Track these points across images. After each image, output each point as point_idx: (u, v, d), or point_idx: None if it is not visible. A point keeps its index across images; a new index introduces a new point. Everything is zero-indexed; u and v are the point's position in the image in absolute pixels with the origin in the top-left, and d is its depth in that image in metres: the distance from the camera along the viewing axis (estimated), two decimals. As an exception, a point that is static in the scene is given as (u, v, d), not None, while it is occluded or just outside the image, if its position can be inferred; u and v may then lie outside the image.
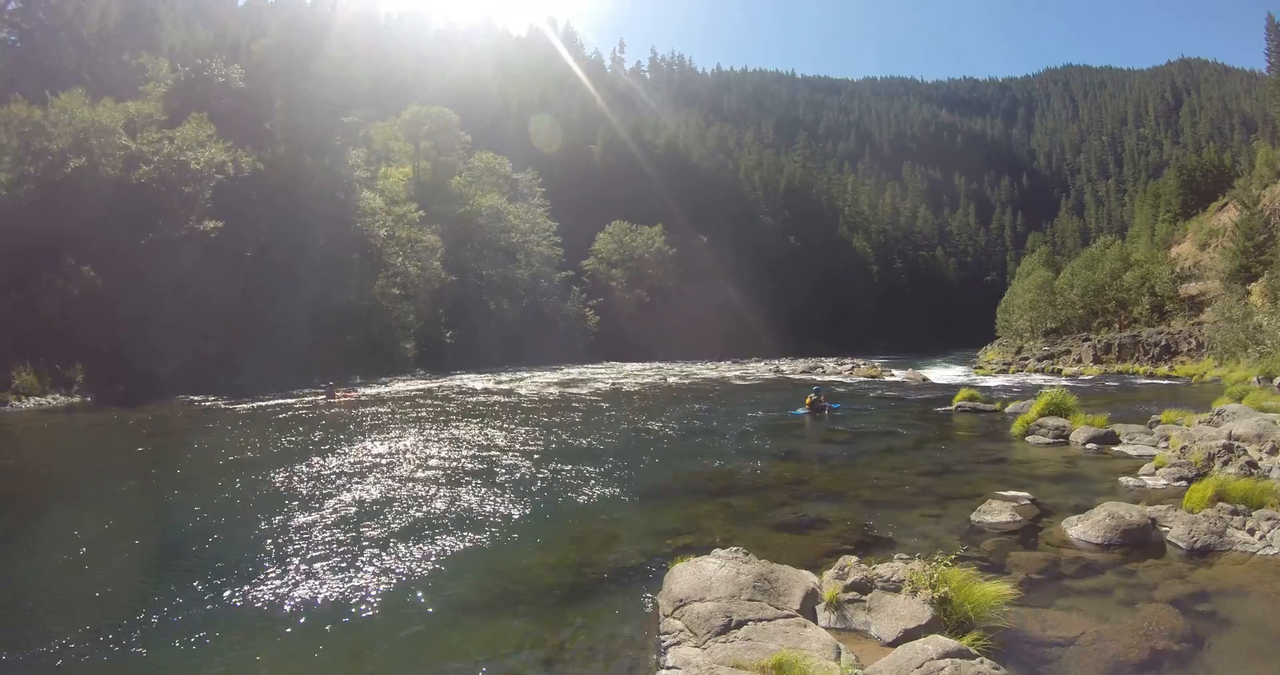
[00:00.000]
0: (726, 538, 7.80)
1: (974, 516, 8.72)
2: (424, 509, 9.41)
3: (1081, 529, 7.88)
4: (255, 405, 25.56)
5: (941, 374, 45.24)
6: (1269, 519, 7.65)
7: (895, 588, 5.83)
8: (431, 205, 62.66)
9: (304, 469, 12.26)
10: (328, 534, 8.28)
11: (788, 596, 5.90)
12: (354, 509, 9.36)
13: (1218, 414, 15.48)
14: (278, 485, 11.05)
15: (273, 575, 6.97)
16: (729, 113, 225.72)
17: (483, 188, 72.73)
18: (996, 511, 8.71)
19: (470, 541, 8.03)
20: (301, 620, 6.02)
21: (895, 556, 6.67)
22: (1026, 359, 61.19)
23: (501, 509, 9.46)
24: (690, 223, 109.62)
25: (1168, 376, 42.10)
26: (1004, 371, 50.80)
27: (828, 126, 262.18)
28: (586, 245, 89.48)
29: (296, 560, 7.37)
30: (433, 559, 7.43)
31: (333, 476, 11.59)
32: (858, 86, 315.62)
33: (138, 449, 16.51)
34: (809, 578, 6.21)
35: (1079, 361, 54.15)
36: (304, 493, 10.45)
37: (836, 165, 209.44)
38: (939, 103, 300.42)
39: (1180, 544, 7.48)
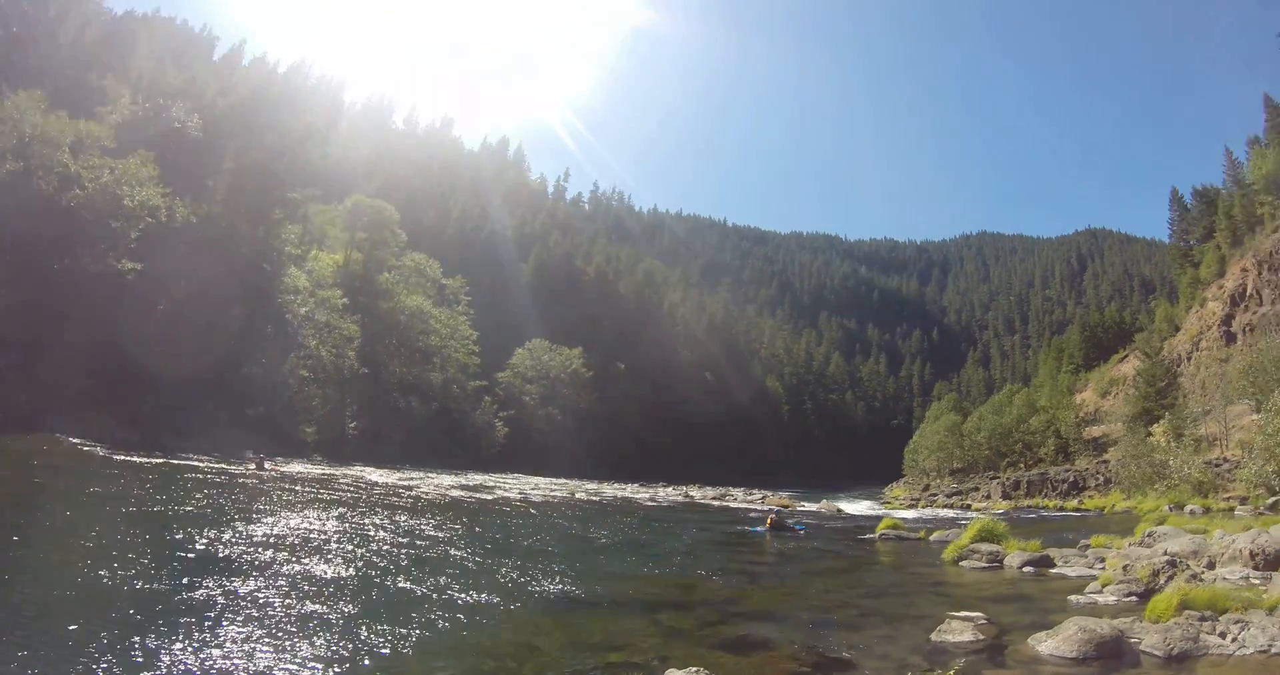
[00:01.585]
0: (660, 656, 7.20)
1: (934, 637, 8.27)
2: (320, 602, 8.36)
3: (1052, 644, 7.61)
4: (147, 461, 23.92)
5: (852, 506, 45.45)
6: (1236, 621, 7.76)
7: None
8: (356, 296, 61.60)
9: (183, 537, 11.20)
10: (204, 612, 7.37)
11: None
12: (237, 592, 8.38)
13: (1149, 535, 15.92)
14: (160, 551, 10.03)
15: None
16: (660, 251, 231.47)
17: (410, 287, 71.89)
18: (957, 631, 8.30)
19: (359, 642, 7.00)
20: None
21: None
22: (935, 495, 62.68)
23: (406, 610, 8.48)
24: (611, 348, 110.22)
25: (1078, 509, 44.08)
26: (913, 506, 52.01)
27: (752, 273, 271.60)
28: (504, 356, 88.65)
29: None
30: (308, 661, 6.32)
31: (215, 552, 10.55)
32: (784, 239, 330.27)
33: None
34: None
35: (988, 497, 55.66)
36: (187, 565, 9.46)
37: (757, 310, 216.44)
38: (859, 260, 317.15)
39: (1156, 652, 7.36)
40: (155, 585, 8.17)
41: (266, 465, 28.86)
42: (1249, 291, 68.68)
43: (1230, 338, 68.78)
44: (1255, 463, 29.61)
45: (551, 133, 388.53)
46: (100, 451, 25.27)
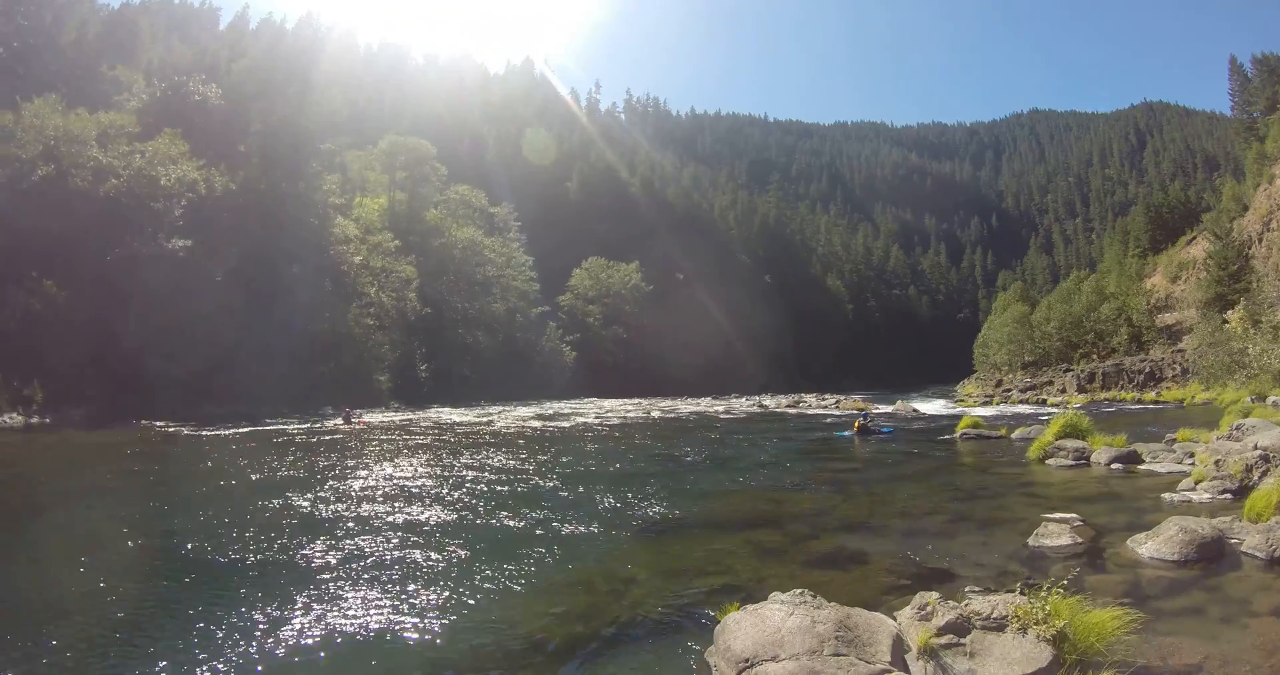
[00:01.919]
0: (758, 578, 6.93)
1: (1031, 541, 7.99)
2: (415, 550, 8.18)
3: (1153, 546, 7.32)
4: (235, 432, 24.42)
5: (927, 406, 44.85)
6: None
7: (999, 626, 4.80)
8: (407, 236, 61.81)
9: (286, 502, 11.06)
10: (319, 574, 7.18)
11: (875, 647, 4.75)
12: (344, 549, 8.18)
13: (1236, 428, 15.15)
14: (266, 517, 9.92)
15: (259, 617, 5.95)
16: (703, 154, 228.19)
17: (458, 220, 71.89)
18: (1055, 534, 8.02)
19: (466, 588, 6.83)
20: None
21: (966, 589, 5.94)
22: (1009, 391, 61.48)
23: (499, 552, 8.24)
24: (666, 260, 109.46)
25: (1155, 402, 43.25)
26: (987, 403, 50.70)
27: (800, 169, 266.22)
28: (562, 281, 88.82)
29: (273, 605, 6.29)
30: (423, 611, 6.20)
31: (318, 513, 10.32)
32: (829, 130, 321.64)
33: (131, 472, 15.39)
34: (889, 623, 5.16)
35: (1063, 391, 54.59)
36: (287, 528, 9.28)
37: (809, 207, 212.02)
38: (909, 146, 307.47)
39: (1258, 554, 7.08)
40: (258, 550, 8.07)
41: (354, 419, 29.32)
42: (1319, 166, 64.61)
43: (1302, 216, 65.09)
44: None
45: (577, 47, 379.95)
46: (186, 431, 25.72)
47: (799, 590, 5.40)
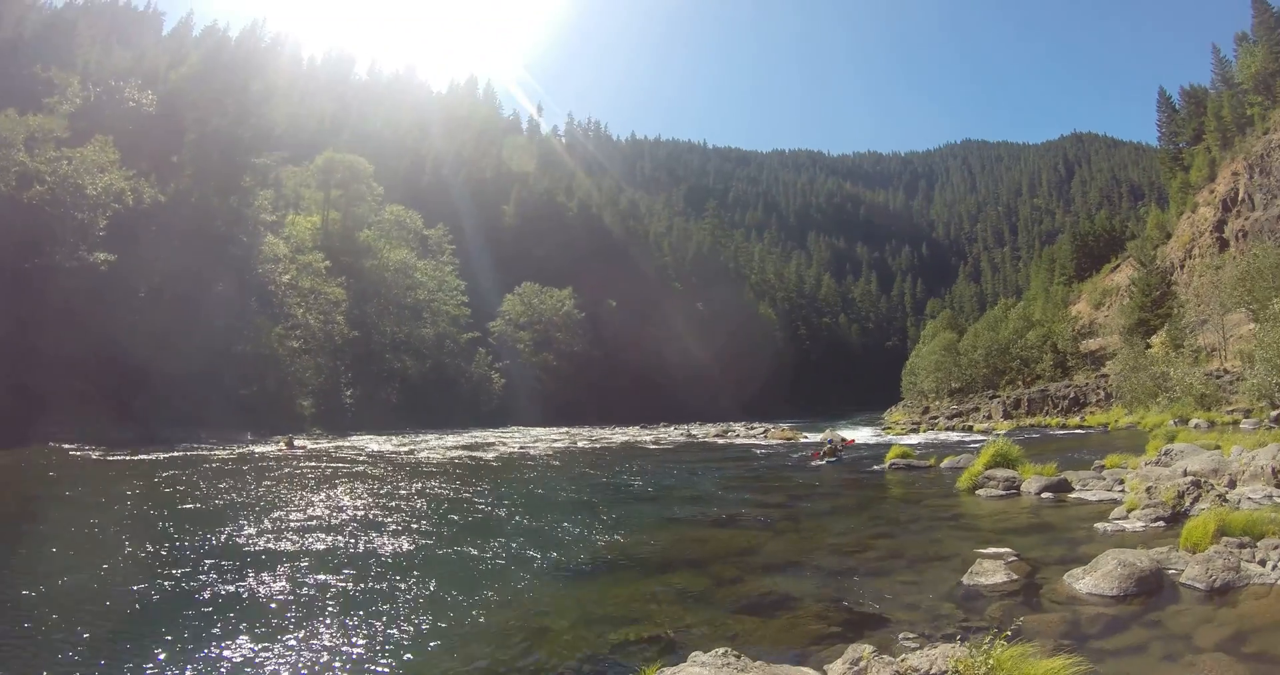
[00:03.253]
0: (681, 626, 6.81)
1: (965, 579, 7.94)
2: (312, 592, 7.97)
3: (1090, 581, 7.30)
4: (146, 458, 23.56)
5: (855, 434, 45.45)
6: (1276, 547, 7.52)
7: (939, 684, 4.83)
8: (338, 257, 60.75)
9: (193, 533, 10.70)
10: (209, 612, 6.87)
11: (806, 709, 4.82)
12: (248, 585, 7.87)
13: (1165, 453, 15.62)
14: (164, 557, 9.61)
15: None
16: (642, 180, 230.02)
17: (392, 242, 70.83)
18: (989, 572, 7.98)
19: (366, 637, 6.60)
20: None
21: (900, 636, 6.00)
22: (936, 418, 62.44)
23: (407, 593, 8.06)
24: (600, 286, 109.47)
25: (1081, 426, 44.06)
26: (915, 430, 51.48)
27: (737, 196, 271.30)
28: (494, 306, 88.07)
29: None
30: (309, 666, 5.96)
31: (211, 548, 9.84)
32: (767, 158, 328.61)
33: (33, 498, 14.69)
34: (821, 681, 5.14)
35: (989, 418, 55.58)
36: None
37: (745, 234, 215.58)
38: (844, 175, 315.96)
39: (1198, 585, 7.08)
40: (153, 585, 7.90)
41: (295, 445, 29.41)
42: (1241, 196, 68.18)
43: (1223, 244, 68.51)
44: (1258, 375, 29.52)
45: (521, 69, 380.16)
46: (95, 455, 24.86)
47: (722, 650, 5.32)
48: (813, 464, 23.44)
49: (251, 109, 51.05)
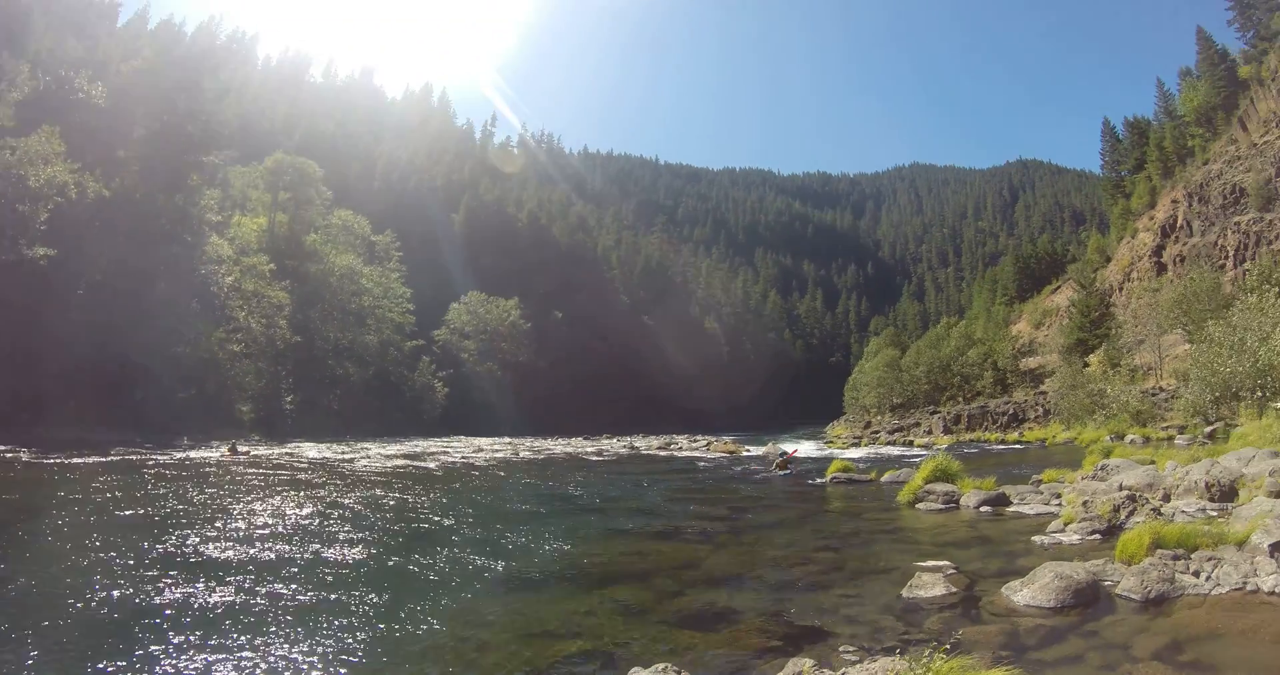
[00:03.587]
0: (622, 641, 6.74)
1: (905, 592, 7.95)
2: (250, 601, 7.79)
3: (1028, 593, 7.35)
4: (81, 461, 22.74)
5: (797, 448, 45.79)
6: (1209, 559, 7.69)
7: (879, 698, 4.85)
8: (283, 260, 59.57)
9: (126, 541, 10.37)
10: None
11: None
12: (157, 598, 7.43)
13: (1101, 468, 15.90)
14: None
15: None
16: (592, 193, 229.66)
17: (338, 247, 69.70)
18: (929, 585, 7.99)
19: (303, 653, 6.36)
20: None
21: (841, 649, 6.00)
22: (877, 432, 63.09)
23: (340, 605, 7.86)
24: (547, 298, 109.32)
25: (1020, 442, 44.94)
26: (856, 444, 51.89)
27: (686, 212, 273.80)
28: (439, 314, 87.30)
29: None
30: None
31: (147, 555, 9.54)
32: (717, 175, 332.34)
33: None
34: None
35: (929, 433, 56.38)
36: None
37: (693, 249, 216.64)
38: (793, 194, 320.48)
39: (1133, 596, 7.16)
40: (92, 594, 7.54)
41: (239, 450, 29.07)
42: (1179, 223, 70.74)
43: (1161, 268, 70.96)
44: (1192, 392, 30.41)
45: (476, 79, 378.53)
46: (26, 457, 23.91)
47: (662, 666, 5.34)
48: (774, 473, 24.59)
49: (203, 106, 49.89)
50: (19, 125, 37.87)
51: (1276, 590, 6.86)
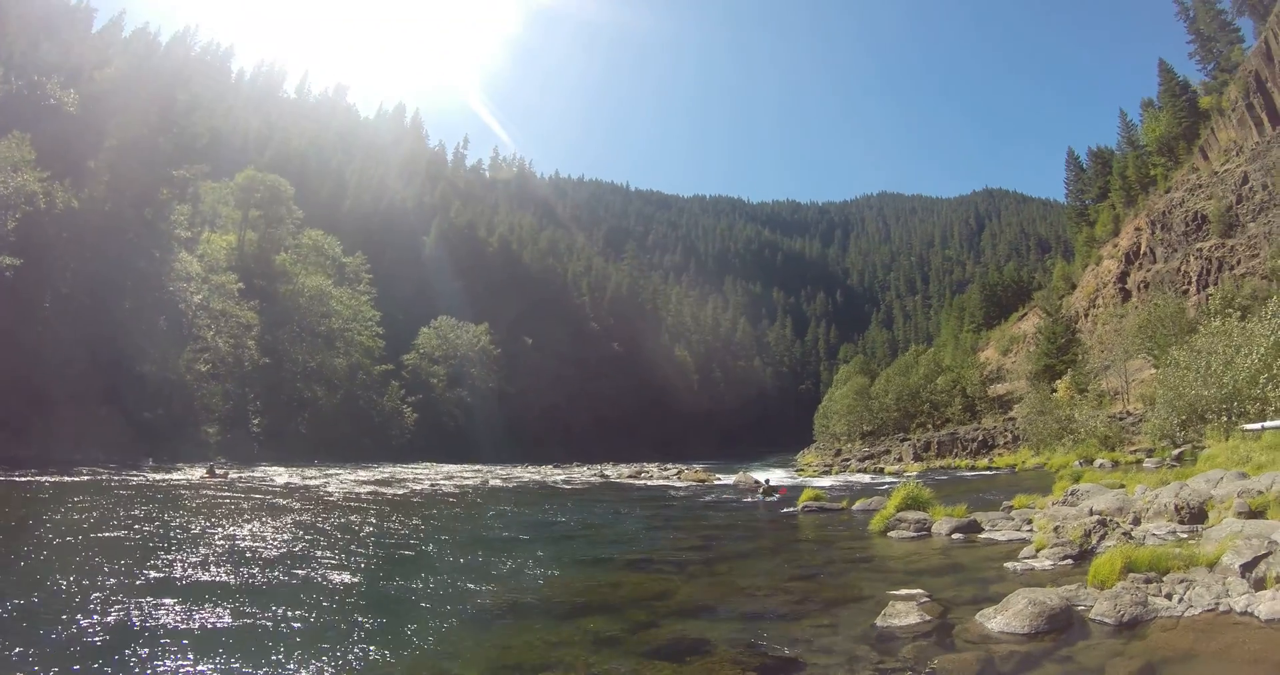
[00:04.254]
0: (593, 673, 6.73)
1: (879, 621, 7.92)
2: (209, 625, 7.73)
3: (1002, 620, 7.35)
4: (39, 479, 22.27)
5: (768, 476, 45.84)
6: (1181, 581, 7.74)
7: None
8: (253, 279, 58.98)
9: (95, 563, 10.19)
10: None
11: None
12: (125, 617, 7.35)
13: (1071, 493, 16.01)
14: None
15: None
16: (563, 218, 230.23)
17: (308, 267, 69.16)
18: (902, 613, 7.96)
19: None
20: None
21: None
22: (848, 460, 63.11)
23: (309, 634, 7.78)
24: (517, 323, 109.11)
25: (990, 468, 45.06)
26: (827, 472, 52.19)
27: (656, 239, 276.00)
28: (408, 338, 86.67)
29: None
30: None
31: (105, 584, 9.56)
32: (688, 203, 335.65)
33: None
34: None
35: (900, 460, 56.49)
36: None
37: (663, 277, 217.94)
38: (762, 222, 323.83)
39: (1107, 620, 7.19)
40: (74, 616, 7.44)
41: (218, 473, 28.96)
42: (1143, 250, 72.51)
43: (1125, 295, 72.64)
44: (1158, 416, 30.82)
45: (450, 100, 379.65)
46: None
47: None
48: (752, 498, 25.90)
49: (176, 119, 49.46)
50: (-13, 131, 37.35)
51: (1249, 610, 6.92)
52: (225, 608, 8.39)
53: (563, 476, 45.59)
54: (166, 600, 8.56)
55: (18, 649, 6.78)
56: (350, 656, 7.14)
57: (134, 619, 7.79)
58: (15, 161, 36.17)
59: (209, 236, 59.08)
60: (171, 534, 13.84)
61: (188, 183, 53.95)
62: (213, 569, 10.57)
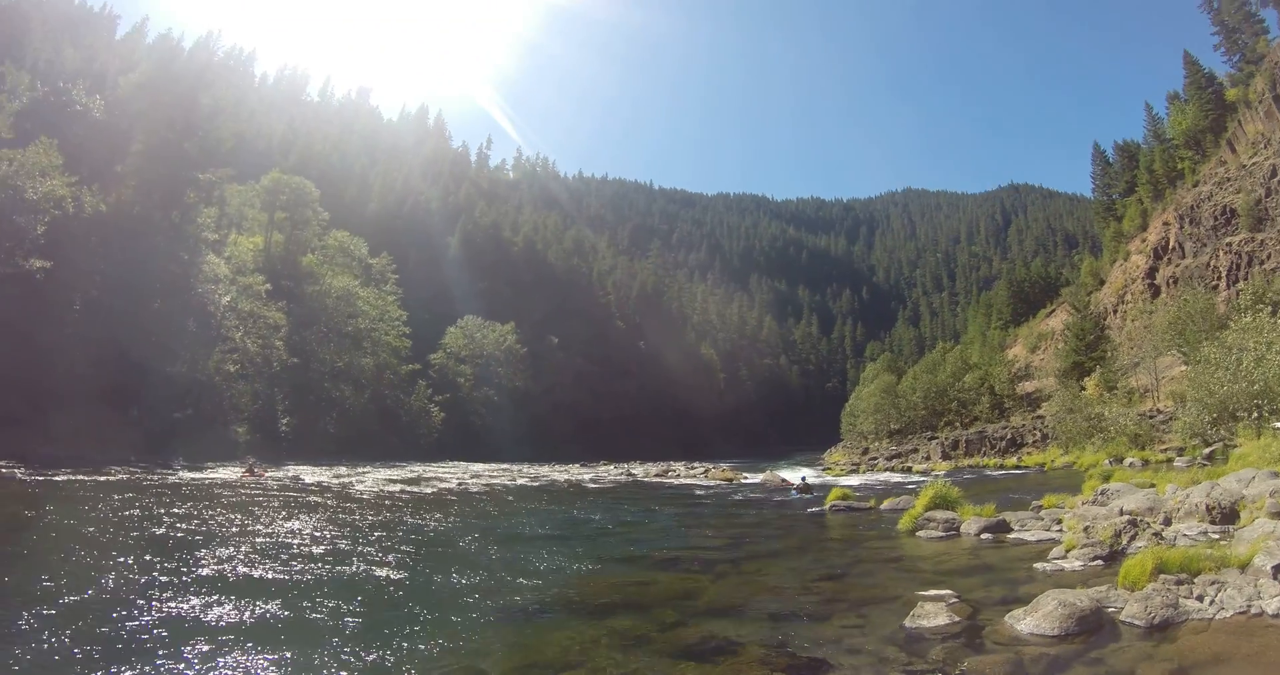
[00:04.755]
0: (622, 673, 6.72)
1: (908, 622, 7.88)
2: (246, 620, 7.85)
3: (1032, 622, 7.29)
4: (71, 478, 22.58)
5: (795, 475, 45.53)
6: (1212, 583, 7.62)
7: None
8: (280, 281, 59.50)
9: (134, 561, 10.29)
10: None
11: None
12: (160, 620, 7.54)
13: (1101, 493, 15.78)
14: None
15: None
16: (587, 217, 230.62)
17: (335, 268, 69.59)
18: (931, 614, 7.92)
19: (294, 668, 6.46)
20: None
21: None
22: (875, 459, 62.80)
23: (346, 629, 7.89)
24: (543, 322, 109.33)
25: (1018, 467, 44.50)
26: (854, 471, 51.98)
27: (681, 237, 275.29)
28: (435, 338, 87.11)
29: None
30: None
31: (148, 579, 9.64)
32: (711, 201, 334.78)
33: None
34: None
35: (928, 459, 56.20)
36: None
37: (688, 275, 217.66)
38: (787, 219, 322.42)
39: (1137, 623, 7.12)
40: (130, 609, 7.28)
41: (256, 470, 29.13)
42: (1171, 244, 71.58)
43: (1154, 290, 71.73)
44: (1189, 414, 30.30)
45: (472, 102, 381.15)
46: (20, 474, 23.72)
47: None
48: (783, 497, 26.63)
49: (200, 123, 49.87)
50: (17, 136, 37.88)
51: (1280, 613, 6.80)
52: (272, 602, 8.57)
53: (590, 475, 45.71)
54: (216, 595, 8.77)
55: (82, 643, 6.91)
56: (386, 651, 7.20)
57: (185, 612, 7.98)
58: (43, 167, 36.59)
59: (236, 238, 59.60)
60: (216, 530, 14.07)
61: (214, 186, 54.33)
62: (257, 565, 10.76)
